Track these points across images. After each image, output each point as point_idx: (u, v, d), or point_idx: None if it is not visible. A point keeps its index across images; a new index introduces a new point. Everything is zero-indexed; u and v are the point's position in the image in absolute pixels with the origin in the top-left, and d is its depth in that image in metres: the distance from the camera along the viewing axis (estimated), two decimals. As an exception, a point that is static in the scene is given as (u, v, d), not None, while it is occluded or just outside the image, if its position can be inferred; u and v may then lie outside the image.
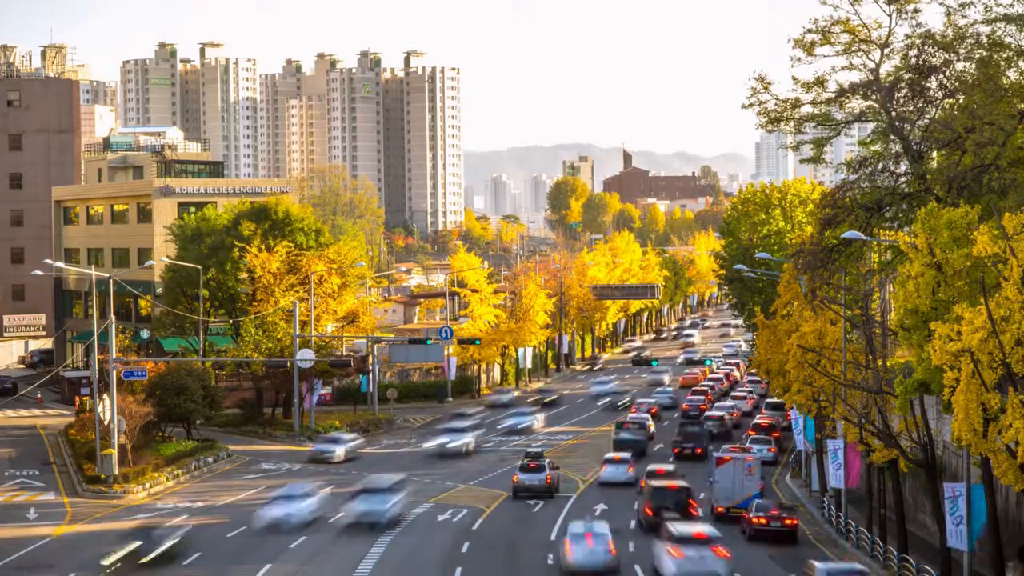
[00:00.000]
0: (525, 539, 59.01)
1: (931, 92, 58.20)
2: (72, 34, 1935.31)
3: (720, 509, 65.66)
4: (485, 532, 61.19)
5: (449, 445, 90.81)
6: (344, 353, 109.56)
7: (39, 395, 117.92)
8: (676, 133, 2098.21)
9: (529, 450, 78.44)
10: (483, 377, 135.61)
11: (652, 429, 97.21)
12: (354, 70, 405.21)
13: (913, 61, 58.39)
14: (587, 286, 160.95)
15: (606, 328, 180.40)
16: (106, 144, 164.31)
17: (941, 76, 58.06)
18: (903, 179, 57.98)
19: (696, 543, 49.15)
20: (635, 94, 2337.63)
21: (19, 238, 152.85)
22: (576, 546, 50.74)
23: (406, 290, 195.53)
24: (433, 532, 60.80)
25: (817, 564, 46.76)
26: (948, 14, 57.95)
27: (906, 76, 58.35)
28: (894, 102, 58.62)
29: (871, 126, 62.41)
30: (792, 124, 61.86)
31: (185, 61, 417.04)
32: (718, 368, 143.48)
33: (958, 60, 57.94)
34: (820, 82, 60.05)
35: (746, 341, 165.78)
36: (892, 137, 58.77)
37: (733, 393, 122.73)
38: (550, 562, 53.90)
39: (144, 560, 51.77)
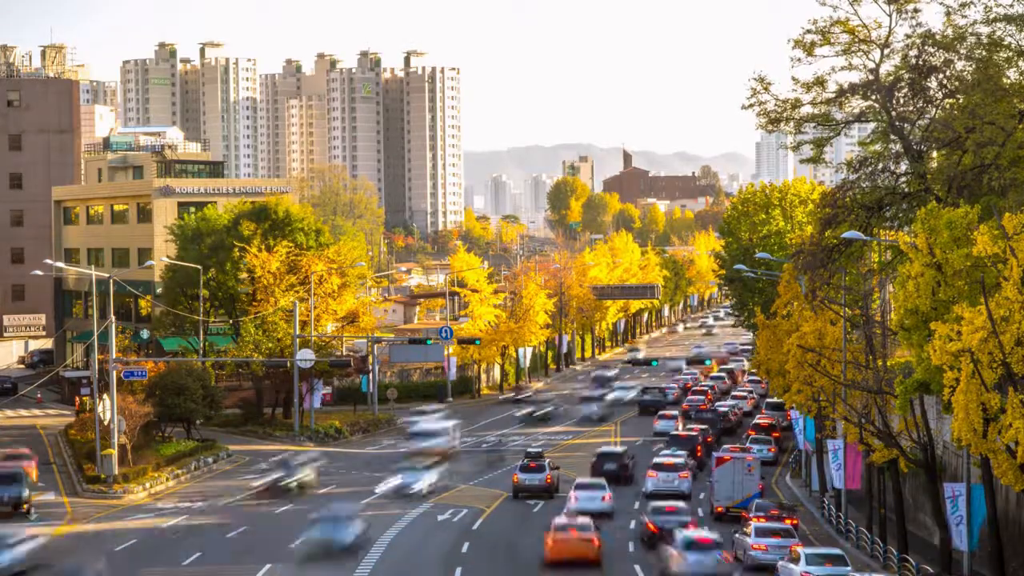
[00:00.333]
0: (525, 539, 58.97)
1: (931, 92, 58.24)
2: (72, 34, 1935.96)
3: (719, 509, 65.76)
4: (485, 532, 61.20)
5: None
6: (344, 353, 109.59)
7: (39, 395, 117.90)
8: (676, 133, 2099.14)
9: (529, 450, 78.46)
10: (483, 377, 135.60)
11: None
12: (354, 70, 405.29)
13: (913, 61, 58.42)
14: (587, 286, 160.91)
15: (606, 328, 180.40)
16: (106, 144, 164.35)
17: (941, 76, 58.09)
18: (903, 179, 58.01)
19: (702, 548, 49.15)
20: (635, 94, 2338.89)
21: (19, 238, 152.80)
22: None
23: (406, 290, 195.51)
24: (433, 532, 60.80)
25: (800, 548, 48.36)
26: (948, 14, 58.01)
27: (906, 76, 58.38)
28: (894, 102, 58.65)
29: (871, 126, 62.44)
30: (792, 124, 61.90)
31: (185, 61, 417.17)
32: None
33: (958, 60, 57.98)
34: (820, 82, 60.08)
35: (738, 343, 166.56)
36: (892, 137, 58.80)
37: (734, 392, 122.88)
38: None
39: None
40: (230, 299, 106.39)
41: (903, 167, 58.49)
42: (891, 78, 59.08)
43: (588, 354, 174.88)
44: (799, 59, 59.80)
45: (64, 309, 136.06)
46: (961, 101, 56.32)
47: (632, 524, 63.16)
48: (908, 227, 56.30)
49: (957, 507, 44.09)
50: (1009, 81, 56.00)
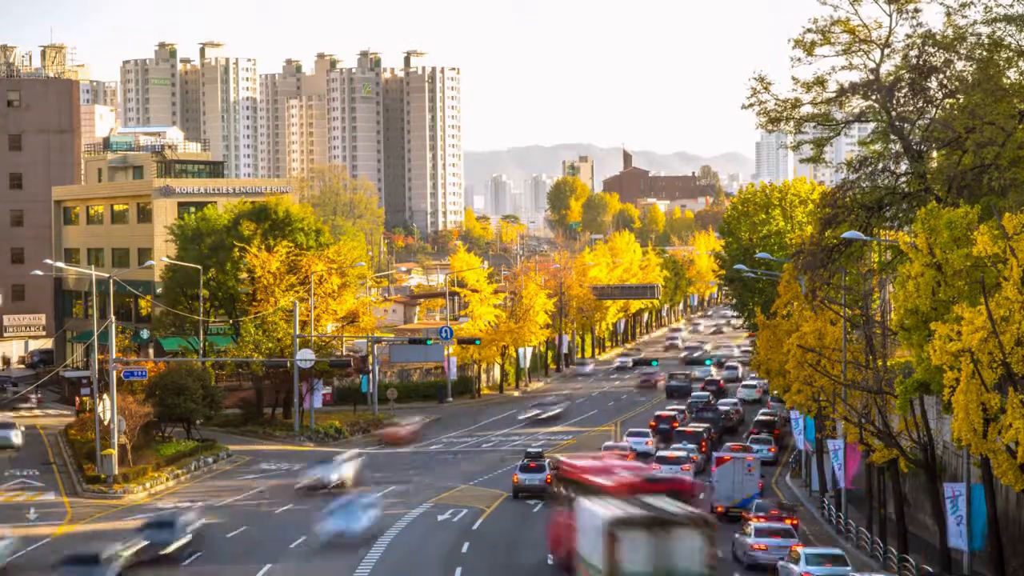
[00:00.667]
0: (525, 539, 59.00)
1: (931, 92, 58.23)
2: (72, 34, 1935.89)
3: (720, 509, 65.48)
4: (485, 532, 61.20)
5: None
6: (344, 353, 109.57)
7: (39, 395, 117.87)
8: (676, 133, 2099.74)
9: (529, 450, 78.48)
10: (483, 377, 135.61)
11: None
12: (354, 70, 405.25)
13: (913, 61, 58.42)
14: (587, 286, 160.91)
15: (606, 328, 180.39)
16: (106, 144, 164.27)
17: (941, 76, 58.09)
18: (903, 179, 58.00)
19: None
20: (635, 94, 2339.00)
21: (19, 238, 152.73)
22: None
23: (406, 290, 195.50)
24: (433, 532, 60.80)
25: (800, 548, 48.97)
26: (948, 14, 58.00)
27: (906, 76, 58.37)
28: (894, 102, 58.64)
29: (871, 126, 62.44)
30: (792, 124, 61.90)
31: (185, 61, 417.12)
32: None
33: (958, 60, 57.96)
34: (820, 82, 60.08)
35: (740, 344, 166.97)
36: (892, 137, 58.80)
37: (744, 382, 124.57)
38: (550, 562, 53.89)
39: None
40: (230, 299, 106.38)
41: (903, 167, 58.49)
42: (891, 78, 59.08)
43: (588, 354, 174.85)
44: (799, 59, 59.82)
45: (64, 309, 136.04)
46: (961, 101, 56.31)
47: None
48: (908, 227, 56.30)
49: (957, 507, 44.08)
50: (1009, 81, 55.99)
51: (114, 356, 79.19)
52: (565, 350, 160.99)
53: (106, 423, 76.72)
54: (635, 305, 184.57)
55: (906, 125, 58.48)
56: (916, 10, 58.38)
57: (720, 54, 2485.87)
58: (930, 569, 47.26)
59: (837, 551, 49.88)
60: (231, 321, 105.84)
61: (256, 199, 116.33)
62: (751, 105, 61.19)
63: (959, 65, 58.11)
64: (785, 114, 61.08)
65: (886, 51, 59.21)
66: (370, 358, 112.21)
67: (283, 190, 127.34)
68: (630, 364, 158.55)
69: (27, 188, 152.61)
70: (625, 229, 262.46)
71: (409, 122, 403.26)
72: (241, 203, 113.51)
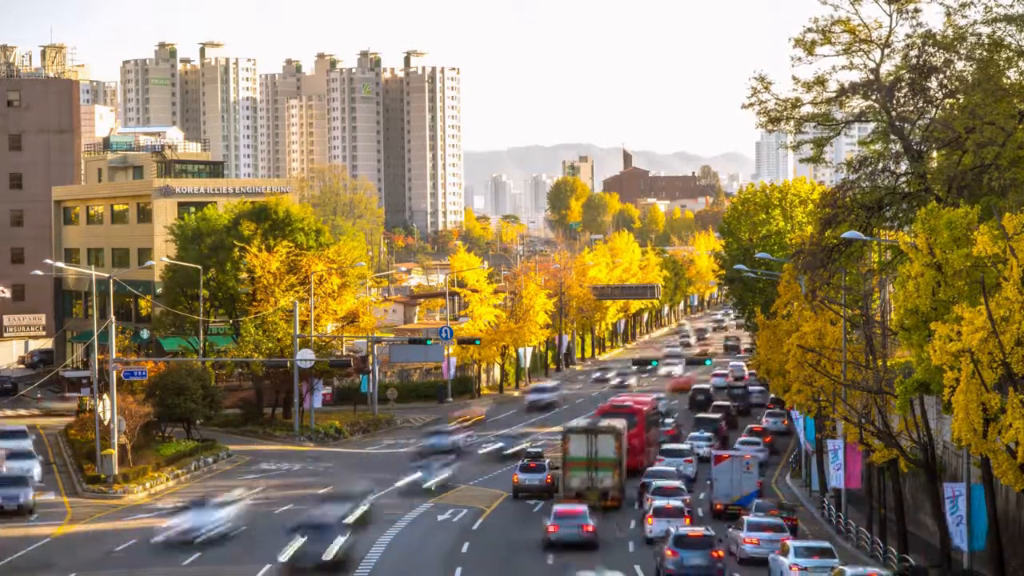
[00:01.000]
0: (525, 539, 59.00)
1: (931, 92, 58.24)
2: (72, 34, 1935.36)
3: (719, 506, 66.85)
4: (485, 532, 61.21)
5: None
6: (344, 353, 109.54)
7: (39, 395, 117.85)
8: (676, 133, 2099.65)
9: (529, 450, 78.46)
10: (483, 377, 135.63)
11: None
12: (354, 70, 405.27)
13: (913, 61, 58.42)
14: (587, 286, 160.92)
15: (606, 328, 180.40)
16: (106, 144, 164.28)
17: (941, 76, 58.10)
18: (903, 179, 58.01)
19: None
20: (635, 94, 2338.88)
21: (19, 238, 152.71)
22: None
23: (406, 290, 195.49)
24: (433, 532, 60.80)
25: (789, 541, 50.59)
26: (948, 14, 58.01)
27: (906, 76, 58.38)
28: (894, 102, 58.65)
29: (871, 126, 62.45)
30: (792, 124, 61.91)
31: (185, 61, 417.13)
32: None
33: (958, 60, 57.97)
34: (820, 82, 60.08)
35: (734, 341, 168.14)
36: (892, 137, 58.81)
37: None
38: (550, 562, 53.92)
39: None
40: (230, 299, 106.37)
41: (903, 167, 58.49)
42: (891, 78, 59.08)
43: (588, 354, 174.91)
44: (800, 58, 59.83)
45: (64, 309, 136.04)
46: (961, 101, 56.32)
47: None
48: (908, 227, 56.29)
49: (957, 507, 44.09)
50: (1009, 81, 55.99)
51: (114, 356, 79.19)
52: (565, 350, 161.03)
53: (106, 423, 76.72)
54: (635, 305, 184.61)
55: (906, 125, 58.49)
56: (916, 10, 58.43)
57: (720, 54, 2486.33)
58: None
59: (825, 544, 50.98)
60: (231, 321, 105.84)
61: (256, 199, 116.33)
62: (751, 105, 61.21)
63: (959, 65, 58.13)
64: (785, 114, 61.09)
65: (886, 51, 59.23)
66: (370, 358, 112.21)
67: (283, 190, 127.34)
68: (613, 377, 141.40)
69: (27, 188, 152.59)
70: (625, 229, 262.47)
71: (409, 122, 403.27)
72: (241, 203, 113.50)
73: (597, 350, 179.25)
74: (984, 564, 47.08)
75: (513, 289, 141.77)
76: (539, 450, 78.36)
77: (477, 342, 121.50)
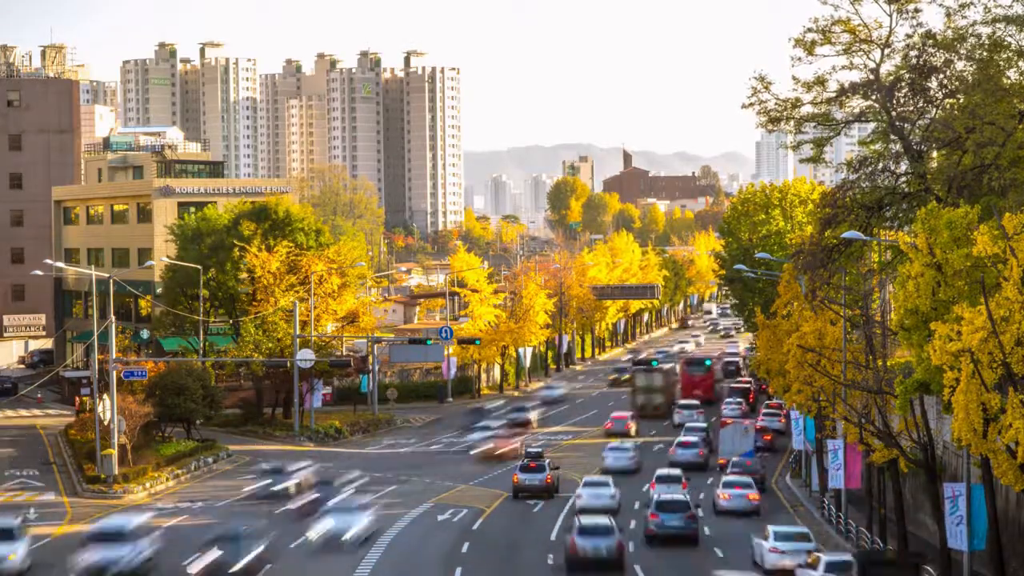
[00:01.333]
0: (525, 539, 59.03)
1: (931, 92, 58.20)
2: (72, 34, 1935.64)
3: (723, 461, 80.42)
4: (485, 532, 61.20)
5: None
6: (344, 353, 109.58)
7: (39, 395, 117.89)
8: (676, 133, 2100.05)
9: (529, 450, 78.46)
10: (483, 377, 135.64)
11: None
12: (354, 70, 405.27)
13: (913, 61, 58.39)
14: (587, 286, 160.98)
15: (606, 328, 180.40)
16: (106, 144, 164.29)
17: (941, 76, 58.05)
18: (903, 179, 57.97)
19: None
20: (635, 94, 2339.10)
21: (19, 238, 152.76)
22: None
23: (406, 290, 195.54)
24: (433, 532, 60.80)
25: (770, 526, 54.70)
26: (948, 14, 57.96)
27: (906, 76, 58.35)
28: (894, 102, 58.61)
29: (871, 126, 62.41)
30: (792, 124, 61.84)
31: (185, 61, 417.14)
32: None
33: (958, 60, 57.93)
34: (820, 82, 60.02)
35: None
36: (892, 137, 58.77)
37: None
38: (550, 562, 53.93)
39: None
40: (230, 299, 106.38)
41: (903, 167, 58.45)
42: (891, 78, 59.05)
43: (588, 354, 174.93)
44: (800, 58, 59.77)
45: (64, 309, 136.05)
46: (961, 101, 56.29)
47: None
48: (908, 227, 56.27)
49: (957, 507, 44.03)
50: (1009, 81, 55.95)
51: (114, 356, 79.19)
52: (565, 350, 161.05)
53: (106, 423, 76.72)
54: (635, 305, 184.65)
55: (906, 125, 58.46)
56: (916, 10, 58.37)
57: (720, 54, 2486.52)
58: (930, 569, 47.20)
59: (802, 529, 56.32)
60: (231, 321, 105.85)
61: (256, 199, 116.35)
62: (751, 105, 61.16)
63: (959, 65, 58.09)
64: (785, 114, 61.04)
65: (886, 51, 59.19)
66: (370, 358, 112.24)
67: (283, 190, 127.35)
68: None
69: (27, 188, 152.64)
70: (625, 229, 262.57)
71: (409, 122, 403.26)
72: (241, 203, 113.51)
73: (597, 350, 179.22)
74: (984, 564, 47.06)
75: (513, 289, 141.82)
76: (539, 450, 78.36)
77: (477, 342, 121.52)
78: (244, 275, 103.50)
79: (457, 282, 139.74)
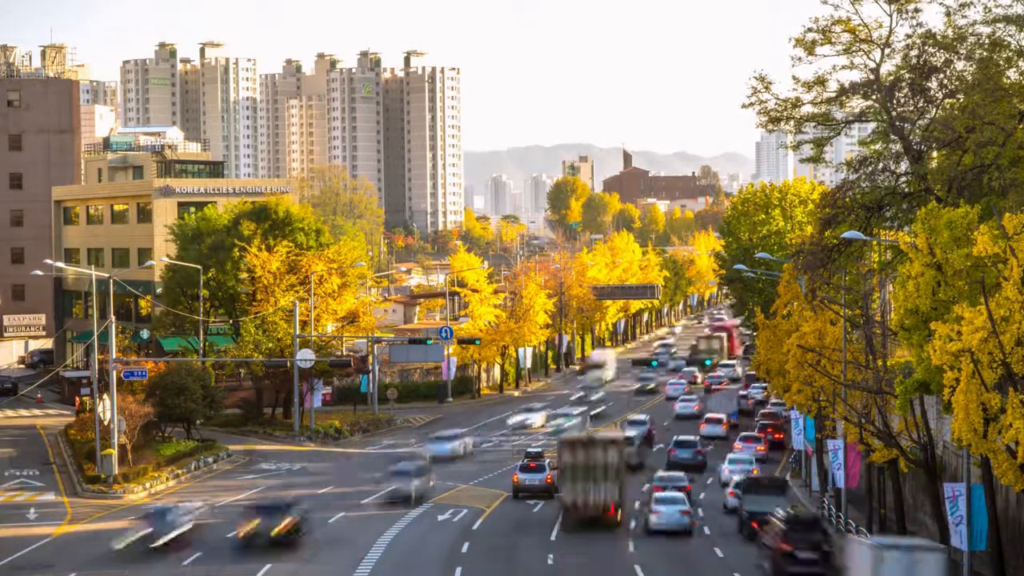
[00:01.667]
0: (525, 539, 59.02)
1: (931, 92, 58.20)
2: (72, 34, 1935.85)
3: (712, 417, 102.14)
4: (485, 532, 61.19)
5: None
6: (344, 353, 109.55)
7: (39, 395, 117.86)
8: (676, 133, 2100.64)
9: (529, 450, 78.47)
10: (483, 377, 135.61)
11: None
12: (354, 70, 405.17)
13: (914, 61, 58.38)
14: (587, 286, 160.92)
15: (606, 328, 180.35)
16: (106, 144, 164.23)
17: (941, 76, 58.05)
18: (903, 179, 57.96)
19: None
20: (635, 94, 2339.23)
21: (19, 238, 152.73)
22: None
23: (406, 290, 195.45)
24: (433, 532, 60.80)
25: (729, 455, 64.90)
26: (948, 14, 57.95)
27: (906, 76, 58.35)
28: (894, 102, 58.61)
29: (871, 126, 62.41)
30: (792, 124, 61.82)
31: (185, 61, 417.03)
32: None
33: (958, 60, 57.93)
34: (821, 81, 60.01)
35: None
36: (892, 137, 58.77)
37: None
38: (550, 562, 53.92)
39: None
40: (230, 299, 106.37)
41: (903, 167, 58.45)
42: (891, 78, 59.05)
43: (588, 354, 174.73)
44: (800, 58, 59.75)
45: (64, 309, 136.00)
46: (961, 101, 56.28)
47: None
48: (908, 227, 56.26)
49: (957, 507, 44.03)
50: (1009, 81, 55.95)
51: (114, 356, 79.17)
52: (565, 350, 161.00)
53: (106, 423, 76.70)
54: (635, 305, 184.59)
55: (906, 125, 58.45)
56: (916, 10, 58.35)
57: (720, 54, 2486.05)
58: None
59: (748, 455, 77.43)
60: (231, 321, 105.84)
61: (256, 199, 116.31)
62: (751, 104, 61.14)
63: (959, 65, 58.09)
64: (785, 114, 61.02)
65: (886, 51, 59.17)
66: (370, 358, 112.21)
67: (283, 190, 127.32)
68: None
69: (27, 188, 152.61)
70: (625, 229, 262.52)
71: (409, 122, 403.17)
72: (241, 203, 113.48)
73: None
74: (984, 564, 47.07)
75: (513, 289, 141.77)
76: (539, 450, 78.38)
77: (477, 342, 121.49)
78: (244, 275, 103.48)
79: (457, 282, 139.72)
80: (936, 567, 42.57)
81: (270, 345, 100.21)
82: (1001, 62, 56.09)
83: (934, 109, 58.18)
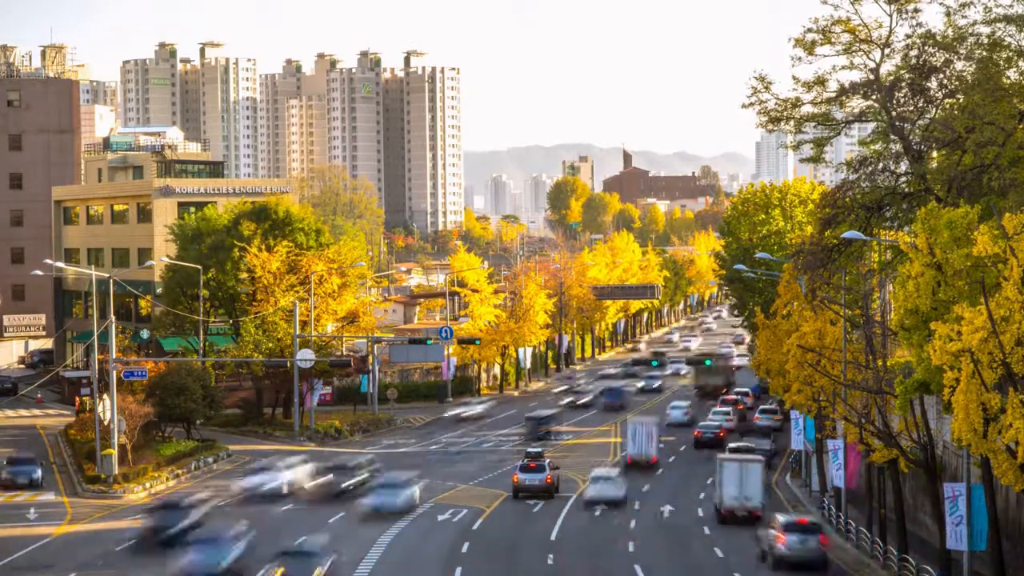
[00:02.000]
0: (525, 539, 59.02)
1: (931, 92, 58.22)
2: (72, 34, 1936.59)
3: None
4: (485, 532, 61.18)
5: None
6: (344, 353, 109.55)
7: (39, 395, 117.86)
8: (676, 133, 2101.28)
9: (529, 450, 78.46)
10: (483, 377, 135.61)
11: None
12: (354, 70, 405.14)
13: (913, 61, 58.40)
14: (587, 286, 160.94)
15: (606, 328, 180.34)
16: (106, 144, 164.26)
17: (941, 76, 58.07)
18: (903, 179, 57.98)
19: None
20: (635, 94, 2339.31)
21: (19, 238, 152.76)
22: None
23: (406, 290, 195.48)
24: (433, 532, 60.79)
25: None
26: (948, 14, 57.96)
27: (906, 76, 58.37)
28: (894, 102, 58.63)
29: (871, 126, 62.42)
30: (792, 124, 61.85)
31: (185, 61, 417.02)
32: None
33: (958, 60, 57.94)
34: (820, 81, 60.02)
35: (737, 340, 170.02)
36: (892, 137, 58.79)
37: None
38: (550, 562, 53.92)
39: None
40: (230, 299, 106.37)
41: (903, 167, 58.46)
42: (891, 78, 59.06)
43: (588, 354, 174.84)
44: (800, 58, 59.77)
45: (64, 309, 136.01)
46: (961, 101, 56.28)
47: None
48: (908, 227, 56.27)
49: (957, 507, 44.03)
50: (1009, 81, 55.95)
51: (114, 356, 79.17)
52: (565, 350, 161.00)
53: (106, 423, 76.70)
54: (635, 305, 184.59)
55: (906, 125, 58.46)
56: (916, 10, 58.38)
57: (720, 54, 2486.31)
58: (930, 569, 47.21)
59: (725, 409, 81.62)
60: (231, 321, 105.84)
61: (256, 199, 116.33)
62: (751, 104, 61.17)
63: (959, 65, 58.11)
64: (785, 113, 61.05)
65: (886, 51, 59.19)
66: (370, 358, 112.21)
67: (283, 190, 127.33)
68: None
69: (27, 188, 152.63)
70: (625, 229, 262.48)
71: (409, 122, 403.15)
72: (241, 203, 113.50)
73: (597, 350, 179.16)
74: (984, 564, 47.06)
75: (513, 289, 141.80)
76: (539, 450, 78.37)
77: (477, 342, 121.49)
78: (244, 275, 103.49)
79: (457, 282, 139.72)
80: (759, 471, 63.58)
81: (270, 345, 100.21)
82: (1001, 62, 56.09)
83: (934, 109, 58.20)
